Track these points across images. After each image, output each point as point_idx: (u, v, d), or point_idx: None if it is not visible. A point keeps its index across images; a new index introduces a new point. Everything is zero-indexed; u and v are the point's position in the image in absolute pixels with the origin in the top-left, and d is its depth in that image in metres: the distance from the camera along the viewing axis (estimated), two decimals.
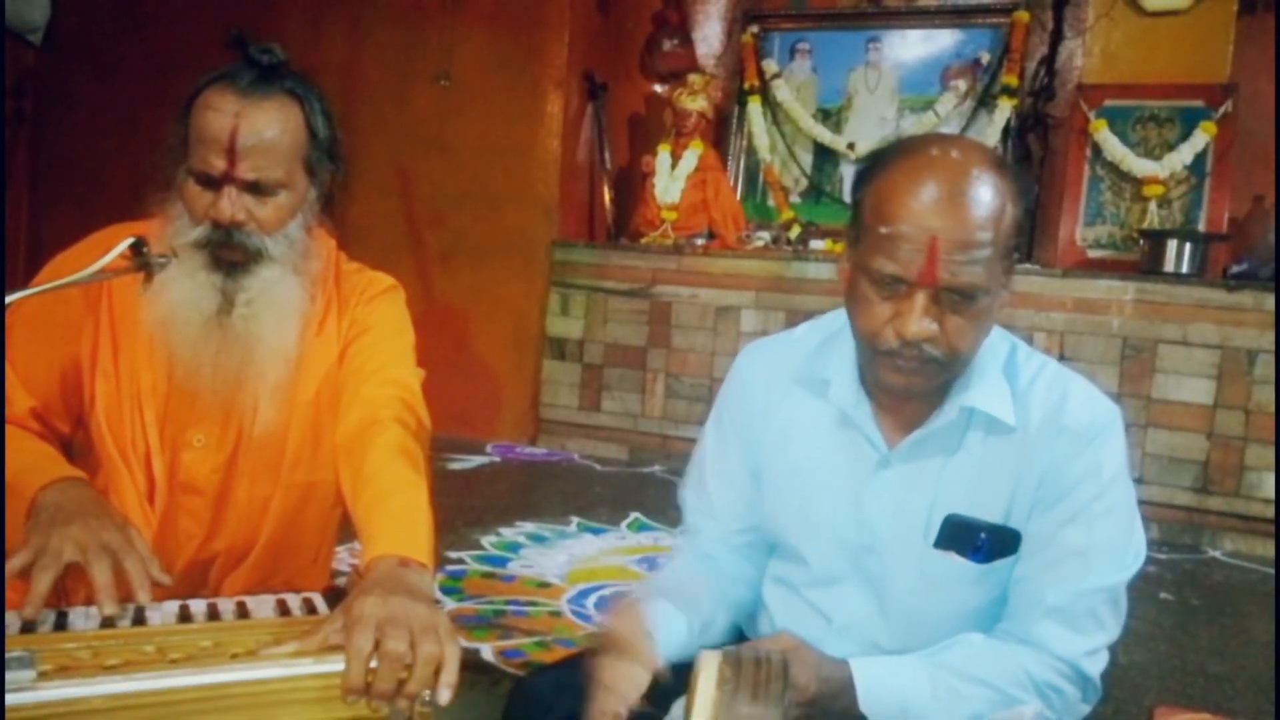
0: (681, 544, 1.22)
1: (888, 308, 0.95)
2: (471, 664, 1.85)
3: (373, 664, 0.84)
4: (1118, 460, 1.02)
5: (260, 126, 1.14)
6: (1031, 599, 1.01)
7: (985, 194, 0.92)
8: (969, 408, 1.02)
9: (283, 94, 1.17)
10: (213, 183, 1.14)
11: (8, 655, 0.78)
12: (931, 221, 0.91)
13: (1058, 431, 1.01)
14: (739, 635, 1.21)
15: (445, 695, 0.86)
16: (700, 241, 4.03)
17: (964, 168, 0.93)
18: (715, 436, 1.20)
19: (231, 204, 1.14)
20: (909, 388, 0.98)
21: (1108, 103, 3.58)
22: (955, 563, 1.03)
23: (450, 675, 0.86)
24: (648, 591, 1.07)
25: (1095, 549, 1.00)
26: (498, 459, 3.82)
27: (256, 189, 1.15)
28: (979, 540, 1.03)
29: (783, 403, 1.14)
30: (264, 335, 1.19)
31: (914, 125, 3.91)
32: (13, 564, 0.97)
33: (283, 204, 1.18)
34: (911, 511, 1.05)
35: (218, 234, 1.16)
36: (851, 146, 3.98)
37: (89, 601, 0.96)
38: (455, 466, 3.58)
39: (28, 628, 0.91)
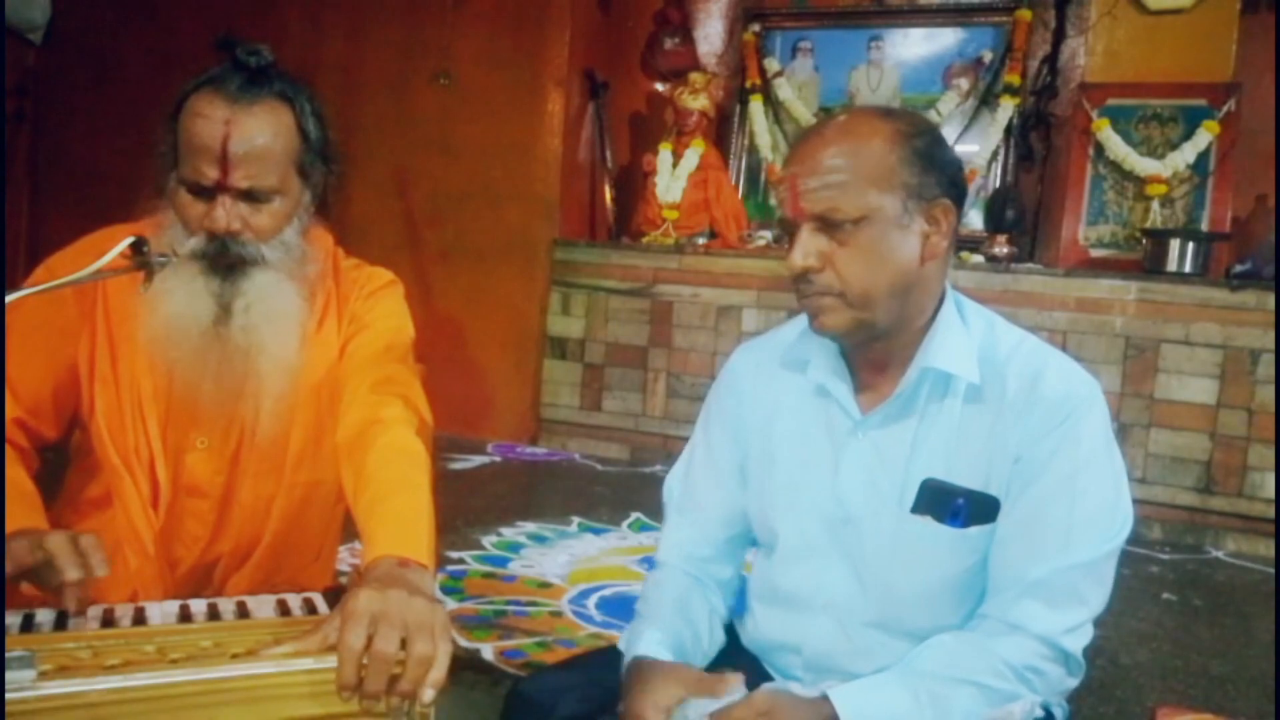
0: (662, 558, 1.22)
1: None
2: (472, 664, 1.85)
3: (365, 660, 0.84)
4: (1097, 434, 1.02)
5: (252, 133, 1.12)
6: (1013, 576, 1.01)
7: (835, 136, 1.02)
8: (928, 368, 1.04)
9: (273, 97, 1.15)
10: (206, 192, 1.13)
11: (8, 655, 0.78)
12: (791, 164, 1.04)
13: (1034, 401, 1.01)
14: (730, 635, 1.21)
15: (429, 695, 0.84)
16: (702, 241, 4.02)
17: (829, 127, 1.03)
18: (704, 432, 1.23)
19: (226, 213, 1.13)
20: (821, 329, 1.04)
21: (1110, 101, 3.57)
22: (932, 528, 1.04)
23: (437, 673, 0.84)
24: (648, 641, 1.08)
25: (1077, 524, 0.99)
26: (498, 459, 3.81)
27: (251, 197, 1.14)
28: (957, 505, 1.03)
29: (769, 387, 1.17)
30: (265, 345, 1.18)
31: None
32: (14, 546, 0.95)
33: (278, 210, 1.17)
34: (886, 478, 1.06)
35: (213, 245, 1.14)
36: None
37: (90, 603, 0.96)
38: (456, 466, 3.58)
39: (27, 627, 0.91)
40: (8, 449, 1.15)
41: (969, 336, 1.06)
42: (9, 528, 1.03)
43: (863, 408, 1.09)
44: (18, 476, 1.13)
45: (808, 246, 1.01)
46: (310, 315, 1.24)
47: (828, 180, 0.99)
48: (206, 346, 1.16)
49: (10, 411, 1.16)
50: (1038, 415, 1.01)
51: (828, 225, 1.00)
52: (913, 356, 1.05)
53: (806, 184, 1.00)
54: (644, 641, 1.07)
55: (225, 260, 1.16)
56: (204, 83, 1.14)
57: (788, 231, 1.04)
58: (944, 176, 1.02)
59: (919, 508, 1.04)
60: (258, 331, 1.18)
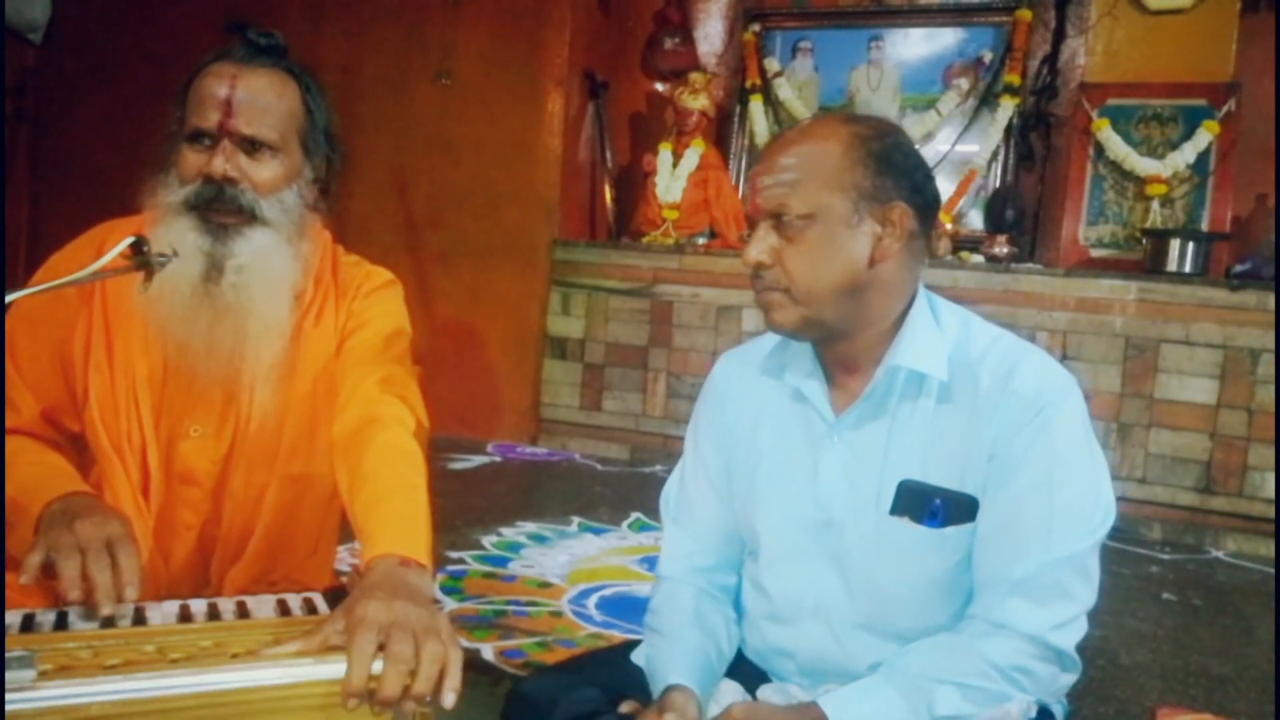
0: (667, 572, 1.21)
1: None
2: (472, 664, 1.84)
3: (376, 668, 0.84)
4: (1073, 428, 1.02)
5: (258, 87, 1.17)
6: (997, 576, 1.01)
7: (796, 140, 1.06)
8: (896, 366, 1.05)
9: (280, 69, 1.20)
10: (208, 139, 1.15)
11: (8, 655, 0.78)
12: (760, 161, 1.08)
13: (1007, 397, 1.01)
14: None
15: (450, 699, 0.85)
16: (702, 241, 4.02)
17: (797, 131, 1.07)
18: (693, 443, 1.24)
19: (225, 159, 1.15)
20: (772, 325, 1.07)
21: (1110, 101, 3.57)
22: (911, 529, 1.04)
23: (454, 679, 0.85)
24: (668, 663, 1.07)
25: (1057, 519, 0.99)
26: (499, 459, 3.81)
27: (251, 146, 1.16)
28: (934, 506, 1.03)
29: (752, 394, 1.18)
30: (255, 307, 1.18)
31: (916, 124, 3.91)
32: (31, 560, 0.96)
33: (277, 169, 1.18)
34: (863, 480, 1.06)
35: (208, 189, 1.15)
36: None
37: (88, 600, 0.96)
38: (456, 466, 3.58)
39: (27, 627, 0.91)
40: (36, 442, 1.17)
41: (941, 335, 1.06)
42: (51, 495, 1.06)
43: (837, 410, 1.09)
44: (53, 459, 1.16)
45: (761, 243, 1.04)
46: (310, 305, 1.24)
47: (780, 179, 1.03)
48: (198, 307, 1.16)
49: (33, 407, 1.18)
50: (1010, 411, 1.01)
51: (779, 222, 1.03)
52: (883, 357, 1.06)
53: (764, 181, 1.04)
54: (674, 670, 1.05)
55: (220, 211, 1.16)
56: (214, 58, 1.19)
57: (751, 228, 1.07)
58: (903, 180, 1.03)
59: (897, 509, 1.04)
60: (249, 291, 1.17)
